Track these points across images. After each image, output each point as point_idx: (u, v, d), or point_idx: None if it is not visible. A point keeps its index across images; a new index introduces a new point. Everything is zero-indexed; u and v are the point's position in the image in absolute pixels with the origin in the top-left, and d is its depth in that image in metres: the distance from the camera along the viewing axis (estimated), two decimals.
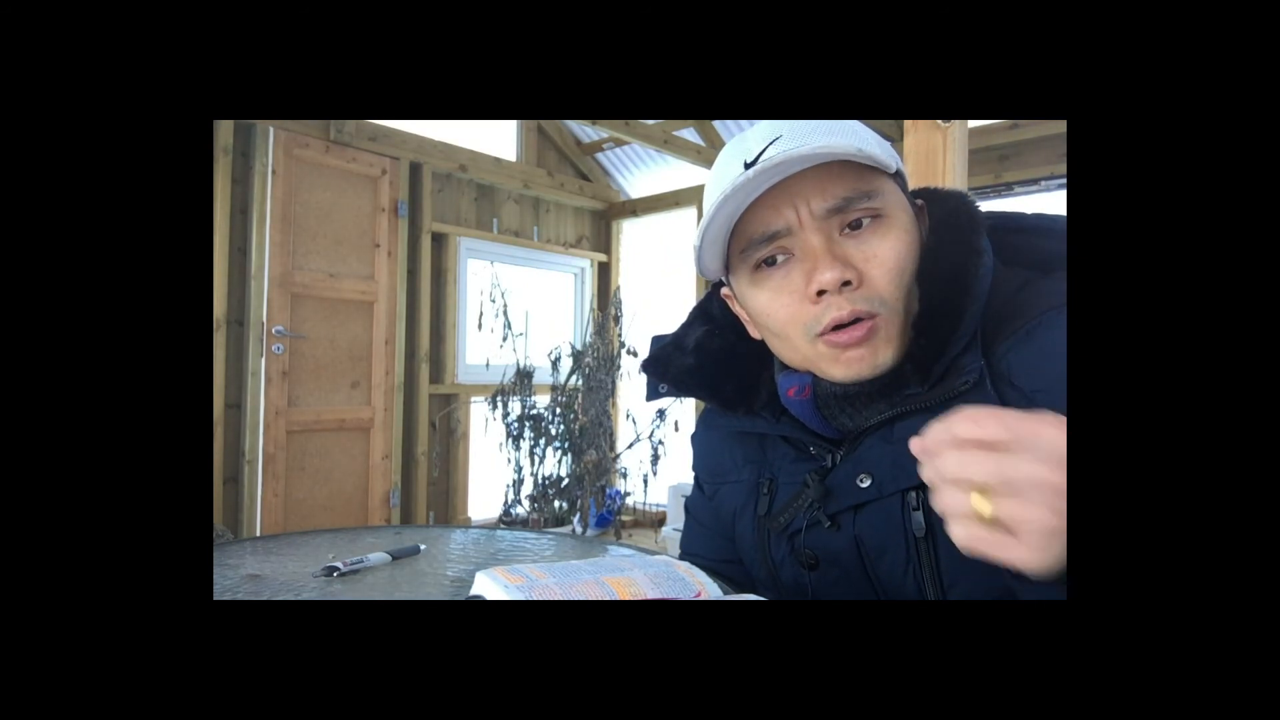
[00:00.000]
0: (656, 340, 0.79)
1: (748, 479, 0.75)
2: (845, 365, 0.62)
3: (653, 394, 0.78)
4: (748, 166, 0.60)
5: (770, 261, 0.63)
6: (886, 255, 0.61)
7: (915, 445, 0.44)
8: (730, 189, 0.59)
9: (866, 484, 0.64)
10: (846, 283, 0.60)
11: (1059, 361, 0.56)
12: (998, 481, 0.40)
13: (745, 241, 0.63)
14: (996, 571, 0.58)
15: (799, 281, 0.62)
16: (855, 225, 0.61)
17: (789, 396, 0.68)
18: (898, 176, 0.65)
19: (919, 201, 0.69)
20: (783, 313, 0.63)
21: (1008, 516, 0.40)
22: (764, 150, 0.60)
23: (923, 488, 0.61)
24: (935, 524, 0.60)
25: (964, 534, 0.42)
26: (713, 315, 0.78)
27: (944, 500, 0.42)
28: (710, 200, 0.65)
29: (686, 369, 0.75)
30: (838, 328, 0.61)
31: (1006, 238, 0.70)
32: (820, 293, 0.60)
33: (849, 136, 0.61)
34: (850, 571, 0.66)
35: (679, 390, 0.76)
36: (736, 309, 0.72)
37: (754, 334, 0.71)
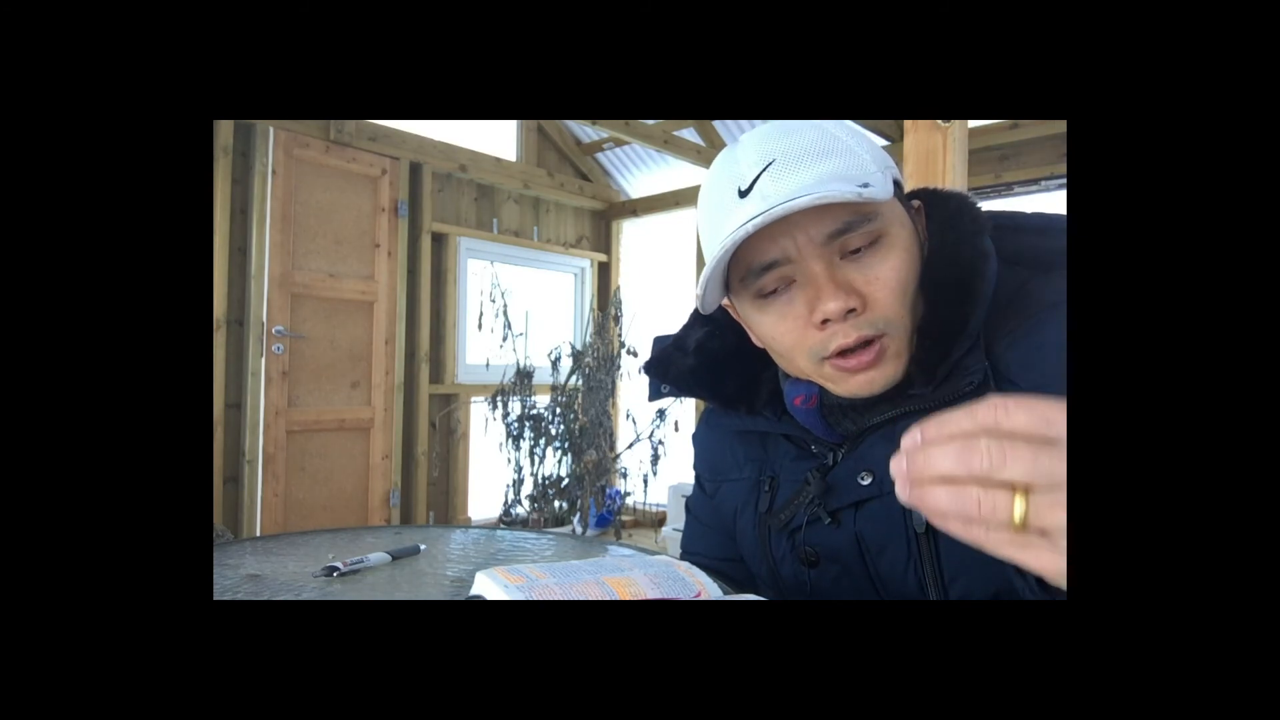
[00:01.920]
0: (658, 341, 0.80)
1: (749, 476, 0.75)
2: (854, 386, 0.62)
3: (655, 394, 0.78)
4: (742, 195, 0.60)
5: (772, 289, 0.63)
6: (889, 276, 0.60)
7: (918, 436, 0.38)
8: (731, 244, 0.58)
9: (868, 481, 0.64)
10: (851, 310, 0.59)
11: (1057, 357, 0.56)
12: (1036, 479, 0.35)
13: (744, 270, 0.63)
14: (998, 567, 0.58)
15: (802, 309, 0.61)
16: (855, 250, 0.61)
17: (795, 405, 0.68)
18: (895, 184, 0.65)
19: (915, 203, 0.68)
20: (788, 339, 0.63)
21: (1044, 519, 0.35)
22: (757, 177, 0.60)
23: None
24: None
25: (988, 537, 0.37)
26: (714, 316, 0.78)
27: (965, 500, 0.36)
28: (703, 228, 0.65)
29: (688, 369, 0.75)
30: (844, 353, 0.61)
31: (1006, 237, 0.70)
32: (825, 321, 0.60)
33: (842, 156, 0.60)
34: (851, 568, 0.66)
35: (681, 391, 0.76)
36: (738, 317, 0.72)
37: (756, 341, 0.71)
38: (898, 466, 0.39)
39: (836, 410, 0.66)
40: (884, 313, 0.60)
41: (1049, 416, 0.36)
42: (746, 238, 0.59)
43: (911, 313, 0.62)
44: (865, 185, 0.58)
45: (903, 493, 0.39)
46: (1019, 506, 0.35)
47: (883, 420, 0.64)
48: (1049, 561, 0.36)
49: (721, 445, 0.79)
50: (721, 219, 0.62)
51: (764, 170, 0.60)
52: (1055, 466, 0.35)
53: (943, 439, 0.37)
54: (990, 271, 0.63)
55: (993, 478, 0.35)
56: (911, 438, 0.38)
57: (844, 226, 0.60)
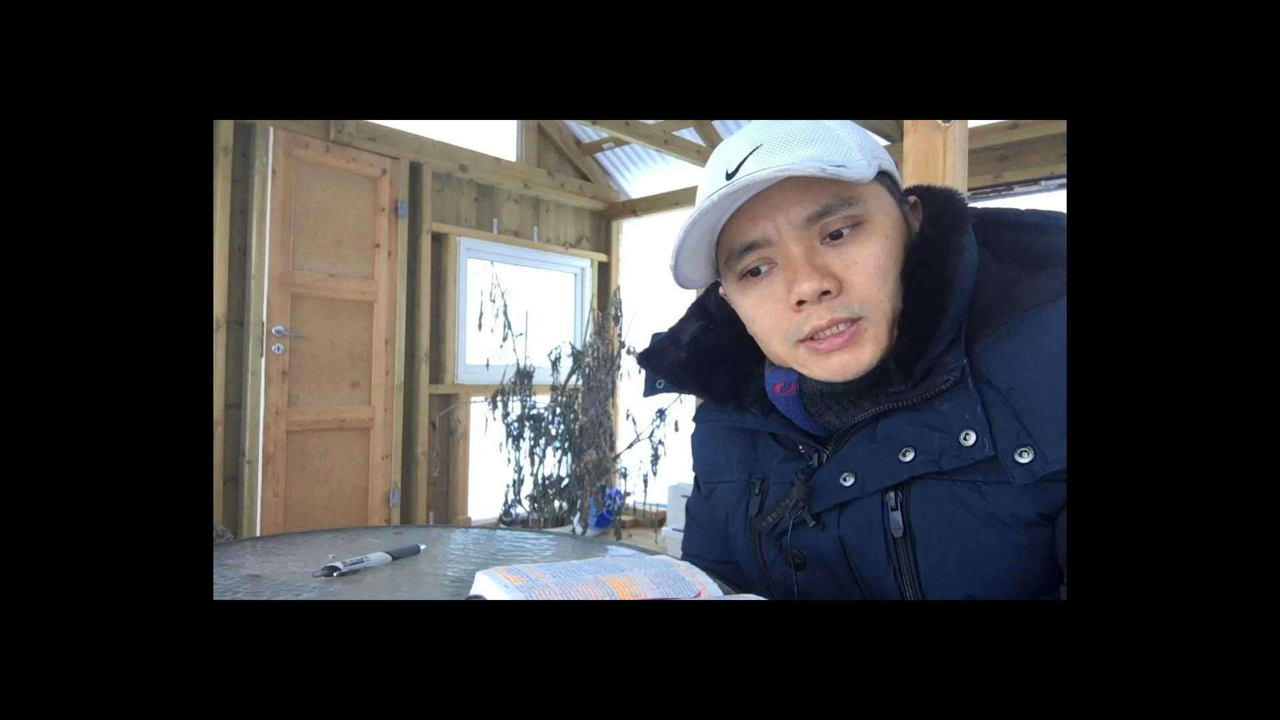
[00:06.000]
0: (655, 336, 0.80)
1: (740, 479, 0.75)
2: (829, 368, 0.62)
3: (650, 389, 0.78)
4: (729, 177, 0.61)
5: (755, 270, 0.64)
6: (867, 261, 0.61)
7: None
8: (698, 214, 0.60)
9: (850, 482, 0.64)
10: (826, 292, 0.60)
11: (1034, 359, 0.56)
12: None
13: (728, 251, 0.65)
14: (972, 572, 0.58)
15: (781, 290, 0.63)
16: (836, 234, 0.61)
17: (775, 392, 0.68)
18: (886, 176, 0.65)
19: (911, 199, 0.69)
20: (767, 320, 0.65)
21: None
22: (744, 160, 0.61)
23: (901, 487, 0.61)
24: (913, 525, 0.61)
25: None
26: (709, 311, 0.78)
27: None
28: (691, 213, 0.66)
29: (679, 363, 0.76)
30: (818, 335, 0.61)
31: (1000, 234, 0.69)
32: (801, 302, 0.61)
33: (828, 143, 0.61)
34: (836, 572, 0.66)
35: (673, 385, 0.76)
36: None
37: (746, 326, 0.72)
38: None
39: (818, 400, 0.66)
40: (860, 296, 0.61)
41: None
42: (730, 217, 0.62)
43: (890, 300, 0.62)
44: (840, 166, 0.58)
45: None
46: None
47: (864, 419, 0.64)
48: None
49: (715, 445, 0.79)
50: (700, 208, 0.63)
51: (750, 153, 0.61)
52: None
53: None
54: (965, 268, 0.62)
55: None
56: None
57: (823, 209, 0.61)
